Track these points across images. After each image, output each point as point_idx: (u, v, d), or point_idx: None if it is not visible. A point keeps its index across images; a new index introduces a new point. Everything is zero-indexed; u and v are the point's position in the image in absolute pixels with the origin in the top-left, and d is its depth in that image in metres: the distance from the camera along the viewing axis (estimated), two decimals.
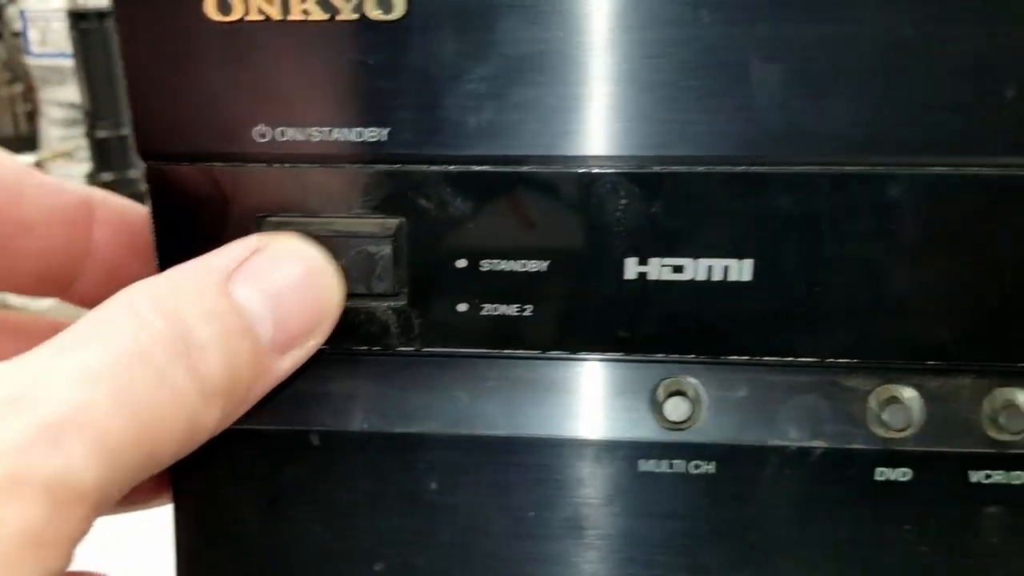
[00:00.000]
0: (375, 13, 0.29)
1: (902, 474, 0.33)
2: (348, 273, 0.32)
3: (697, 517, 0.34)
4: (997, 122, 0.29)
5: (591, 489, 0.34)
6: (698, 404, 0.33)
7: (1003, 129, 0.29)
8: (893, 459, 0.33)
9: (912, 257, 0.31)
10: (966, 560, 0.33)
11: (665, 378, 0.34)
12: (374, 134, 0.31)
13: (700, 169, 0.30)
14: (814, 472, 0.33)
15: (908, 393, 0.33)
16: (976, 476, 0.33)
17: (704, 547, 0.34)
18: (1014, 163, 0.29)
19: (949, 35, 0.28)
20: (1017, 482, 0.33)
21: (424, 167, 0.31)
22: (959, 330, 0.31)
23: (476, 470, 0.34)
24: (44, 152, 2.71)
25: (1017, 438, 0.32)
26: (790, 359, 0.33)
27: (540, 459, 0.34)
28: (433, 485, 0.35)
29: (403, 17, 0.29)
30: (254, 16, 0.30)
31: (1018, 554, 0.33)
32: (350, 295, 0.32)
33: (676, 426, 0.33)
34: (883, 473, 0.33)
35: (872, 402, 0.33)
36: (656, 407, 0.33)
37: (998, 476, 0.33)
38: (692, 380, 0.34)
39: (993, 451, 0.33)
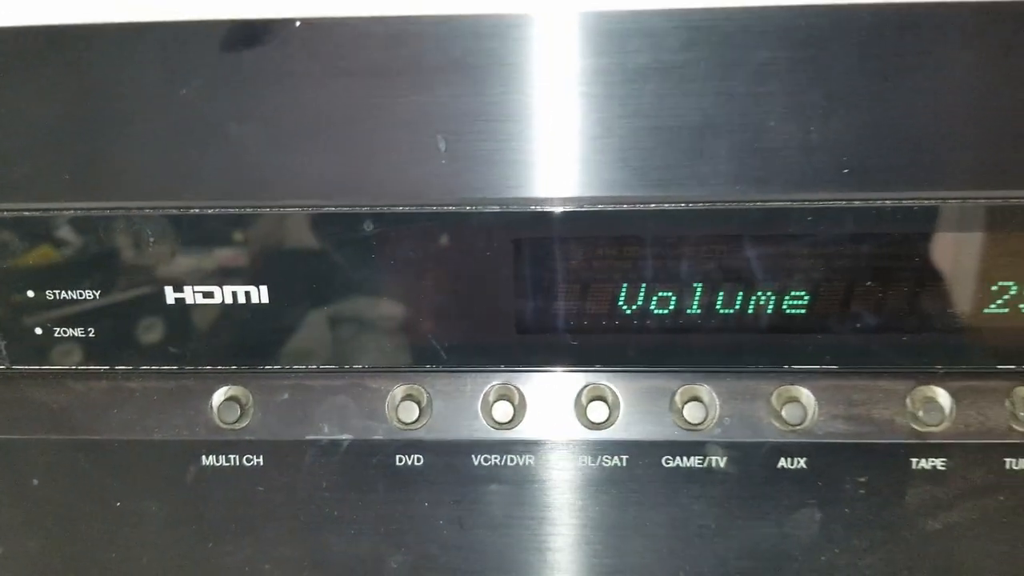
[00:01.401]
0: None
1: (417, 459, 0.39)
2: None
3: (251, 503, 0.40)
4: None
5: (163, 484, 0.40)
6: (246, 406, 0.39)
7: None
8: (410, 447, 0.39)
9: (402, 284, 0.37)
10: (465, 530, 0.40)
11: (218, 388, 0.40)
12: None
13: (211, 211, 0.36)
14: (345, 460, 0.39)
15: (419, 393, 0.39)
16: (477, 460, 0.39)
17: (262, 529, 0.40)
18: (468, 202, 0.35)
19: None
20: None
21: None
22: (448, 339, 0.38)
23: (71, 467, 0.40)
24: None
25: (509, 429, 0.39)
26: (315, 367, 0.39)
27: (121, 458, 0.40)
28: (35, 481, 0.40)
29: None
30: None
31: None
32: None
33: (230, 426, 0.39)
34: (402, 459, 0.39)
35: (396, 398, 0.39)
36: (210, 411, 0.39)
37: (495, 459, 0.39)
38: (241, 388, 0.39)
39: (492, 438, 0.39)
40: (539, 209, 0.35)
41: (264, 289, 0.37)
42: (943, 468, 0.38)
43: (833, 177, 0.33)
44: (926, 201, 0.34)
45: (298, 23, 0.33)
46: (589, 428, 0.39)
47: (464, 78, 0.33)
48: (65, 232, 0.37)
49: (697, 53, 0.32)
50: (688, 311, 0.37)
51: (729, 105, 0.32)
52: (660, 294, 0.37)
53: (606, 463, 0.39)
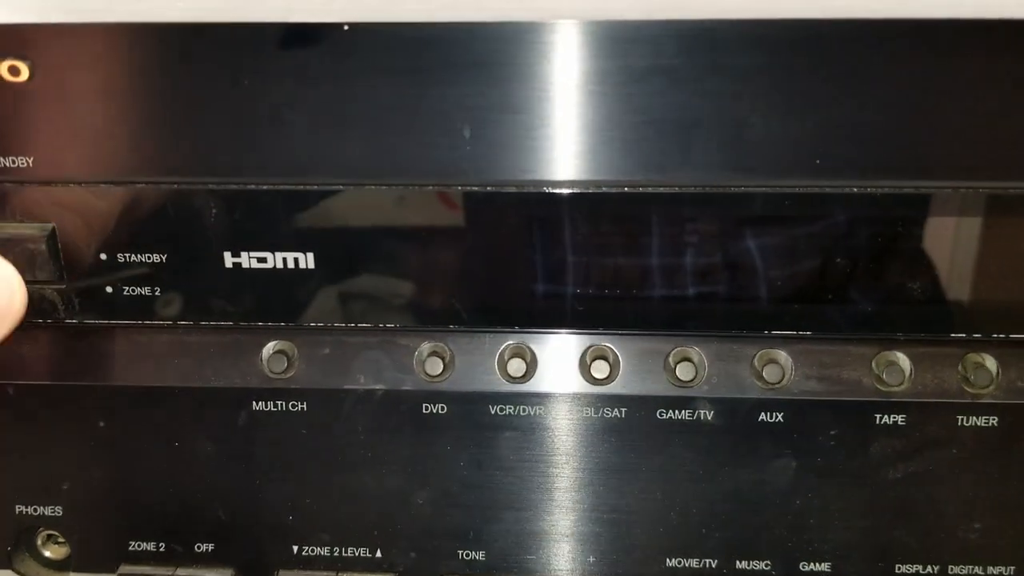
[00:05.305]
0: (8, 76, 0.40)
1: (441, 408, 0.45)
2: (16, 265, 0.43)
3: (295, 444, 0.45)
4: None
5: (217, 426, 0.46)
6: (292, 358, 0.45)
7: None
8: (434, 397, 0.45)
9: (429, 254, 0.42)
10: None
11: (268, 342, 0.45)
12: (22, 162, 0.41)
13: (266, 187, 0.41)
14: (378, 407, 0.45)
15: (444, 350, 0.44)
16: (494, 410, 0.45)
17: (304, 467, 0.46)
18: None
19: None
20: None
21: (61, 186, 0.42)
22: (469, 303, 0.43)
23: (134, 410, 0.46)
24: None
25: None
26: (353, 324, 0.44)
27: (180, 403, 0.46)
28: (101, 423, 0.46)
29: (28, 80, 0.40)
30: None
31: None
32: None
33: (278, 375, 0.45)
34: (428, 408, 0.45)
35: (423, 353, 0.45)
36: (260, 362, 0.45)
37: (509, 409, 0.45)
38: (288, 342, 0.45)
39: (506, 391, 0.44)
40: (550, 191, 0.40)
41: (311, 256, 0.42)
42: (903, 424, 0.44)
43: (808, 167, 0.38)
44: (882, 190, 0.39)
45: (346, 27, 0.38)
46: (592, 384, 0.44)
47: (487, 76, 0.38)
48: (137, 202, 0.42)
49: (686, 58, 0.37)
50: (681, 283, 0.42)
51: (713, 103, 0.37)
52: (656, 268, 0.42)
53: (607, 415, 0.44)
